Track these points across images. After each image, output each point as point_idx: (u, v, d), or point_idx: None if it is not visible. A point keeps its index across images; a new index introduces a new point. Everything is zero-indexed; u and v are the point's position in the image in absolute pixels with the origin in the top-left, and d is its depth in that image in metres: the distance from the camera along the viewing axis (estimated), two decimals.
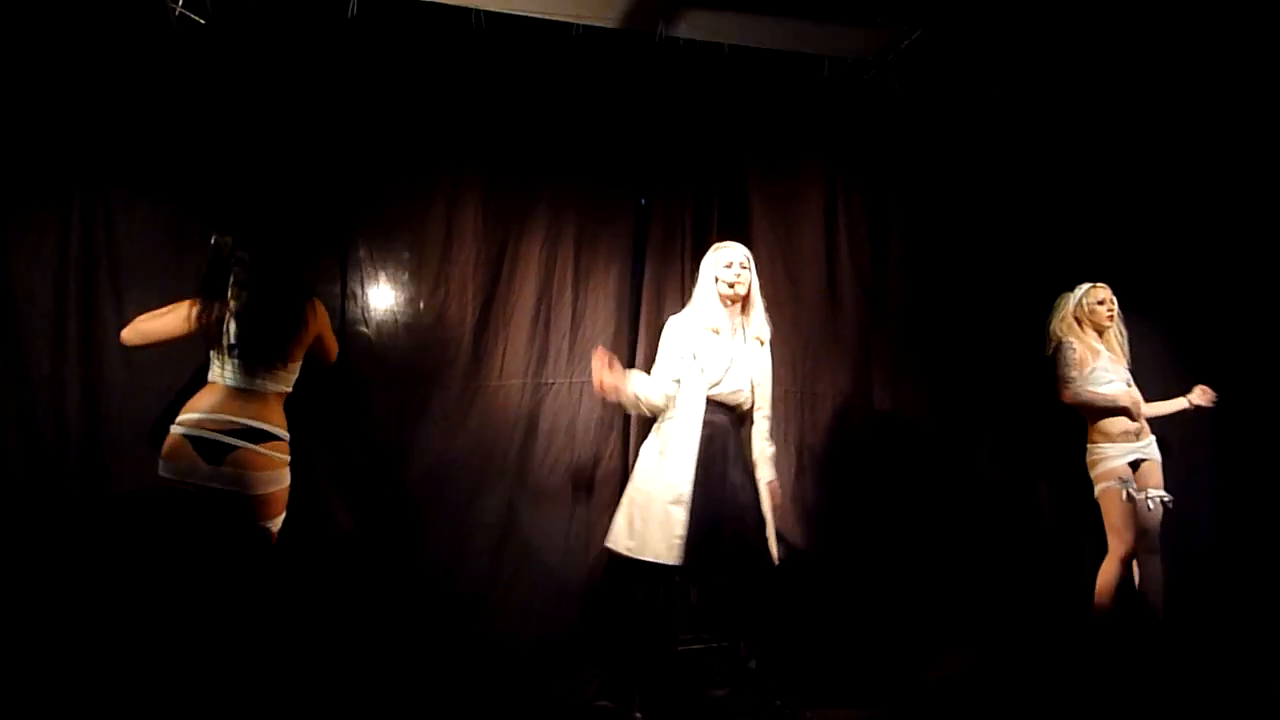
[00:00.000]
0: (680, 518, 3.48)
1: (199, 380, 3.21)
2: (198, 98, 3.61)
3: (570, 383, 4.06)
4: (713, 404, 3.60)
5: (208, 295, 3.12)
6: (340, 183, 3.78)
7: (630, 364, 4.16)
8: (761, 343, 3.73)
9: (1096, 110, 4.71)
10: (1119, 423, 3.99)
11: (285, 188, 3.67)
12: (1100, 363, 4.05)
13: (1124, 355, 4.12)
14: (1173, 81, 4.62)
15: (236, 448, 3.01)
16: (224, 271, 3.13)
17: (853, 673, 3.89)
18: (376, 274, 3.87)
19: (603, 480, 4.06)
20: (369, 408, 3.78)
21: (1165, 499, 3.92)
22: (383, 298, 3.88)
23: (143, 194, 3.55)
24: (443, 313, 3.92)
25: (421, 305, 3.90)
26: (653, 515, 3.52)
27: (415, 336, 3.89)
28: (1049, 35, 4.55)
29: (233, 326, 3.10)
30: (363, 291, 3.85)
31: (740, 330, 3.71)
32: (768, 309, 4.20)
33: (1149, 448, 4.00)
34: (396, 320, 3.88)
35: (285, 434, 3.16)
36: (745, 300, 3.70)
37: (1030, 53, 4.62)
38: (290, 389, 3.23)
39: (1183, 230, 4.68)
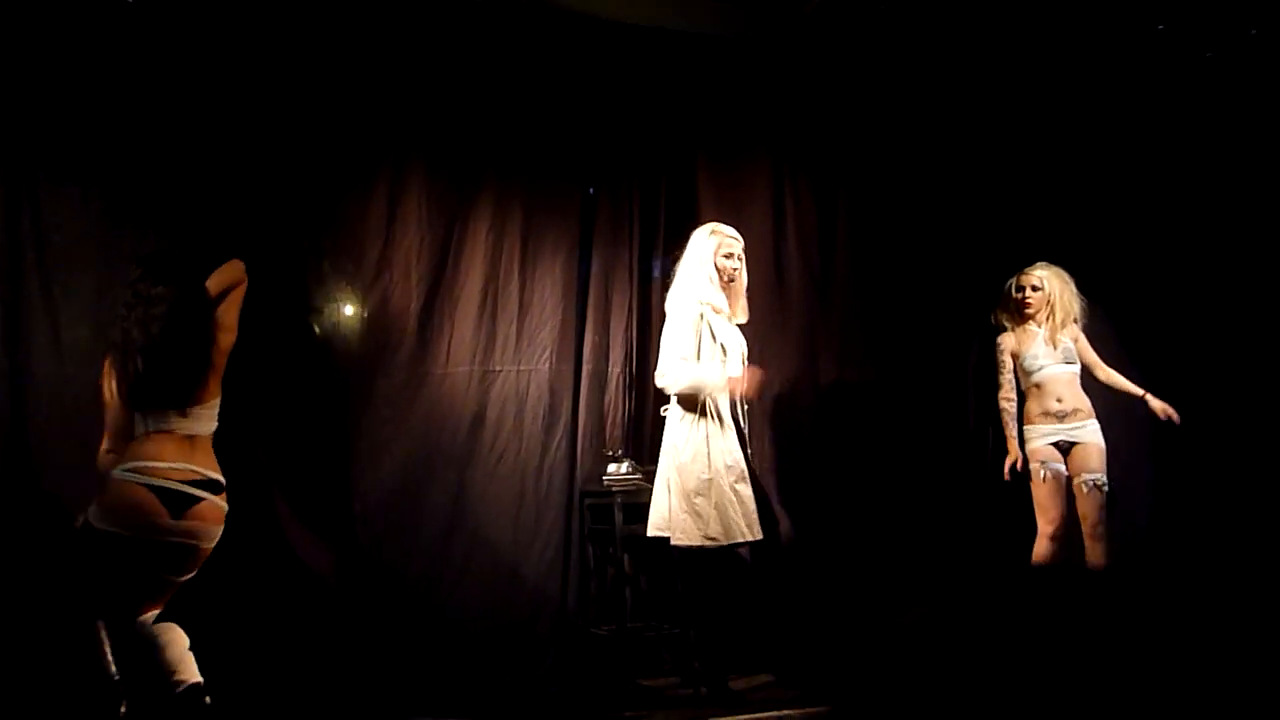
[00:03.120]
0: (747, 493, 3.60)
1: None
2: (128, 82, 3.49)
3: (518, 370, 4.02)
4: None
5: (113, 348, 2.86)
6: (279, 169, 3.68)
7: (578, 352, 4.14)
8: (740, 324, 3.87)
9: (1042, 95, 4.75)
10: (1041, 404, 4.07)
11: (217, 176, 3.57)
12: (1033, 348, 4.12)
13: (1069, 336, 4.15)
14: (1120, 66, 4.68)
15: (201, 500, 2.82)
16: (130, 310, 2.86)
17: (800, 651, 3.96)
18: (318, 261, 3.78)
19: (552, 468, 4.04)
20: (311, 396, 3.70)
21: (1098, 482, 3.97)
22: (324, 285, 3.79)
23: (70, 181, 3.41)
24: (386, 300, 3.86)
25: (364, 292, 3.83)
26: (725, 498, 3.55)
27: (358, 324, 3.82)
28: (996, 21, 4.59)
29: (139, 365, 2.82)
30: (303, 279, 3.76)
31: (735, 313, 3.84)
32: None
33: (1080, 431, 4.05)
34: (338, 308, 3.80)
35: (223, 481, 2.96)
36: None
37: (978, 38, 4.66)
38: (215, 425, 2.96)
39: (1126, 215, 4.75)
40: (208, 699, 2.81)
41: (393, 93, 3.90)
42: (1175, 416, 4.03)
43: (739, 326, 3.88)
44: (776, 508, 4.22)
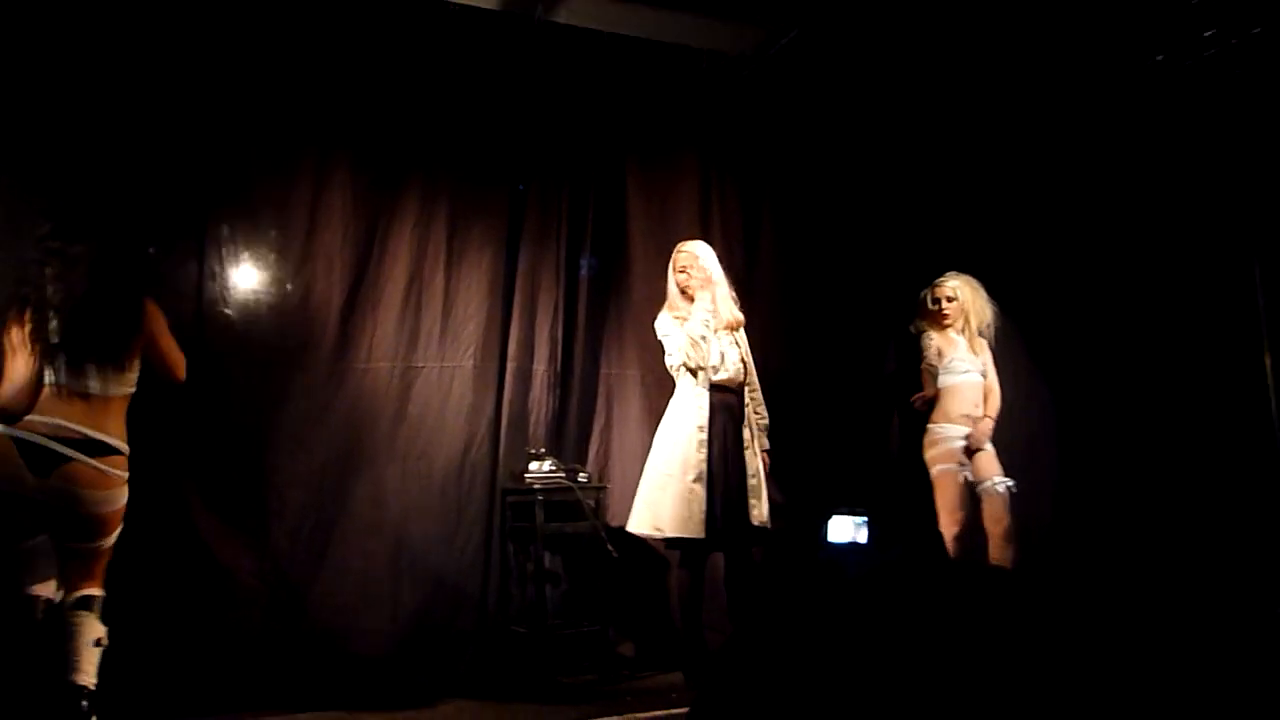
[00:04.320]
0: (701, 494, 3.64)
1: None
2: (38, 62, 3.38)
3: (441, 367, 4.00)
4: (715, 387, 3.80)
5: (23, 302, 2.80)
6: (199, 158, 3.61)
7: (503, 349, 4.13)
8: (735, 326, 3.92)
9: (960, 111, 4.91)
10: (961, 405, 4.18)
11: (135, 165, 3.48)
12: (957, 353, 4.23)
13: (984, 346, 4.28)
14: (1033, 83, 4.86)
15: (70, 460, 2.68)
16: (41, 268, 2.81)
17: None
18: (238, 251, 3.71)
19: (474, 465, 4.02)
20: (228, 390, 3.63)
21: (1010, 485, 4.10)
22: (245, 276, 3.73)
23: None
24: (308, 293, 3.80)
25: (286, 285, 3.77)
26: (675, 495, 3.65)
27: (279, 317, 3.76)
28: (916, 38, 4.73)
29: (55, 323, 2.76)
30: (223, 270, 3.69)
31: (718, 316, 3.88)
32: (645, 298, 4.28)
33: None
34: (259, 300, 3.73)
35: (125, 447, 2.82)
36: (713, 290, 3.88)
37: (898, 54, 4.80)
38: (132, 390, 2.90)
39: (1037, 226, 4.93)
40: (85, 704, 2.71)
41: (319, 79, 3.85)
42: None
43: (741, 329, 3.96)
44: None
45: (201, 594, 3.48)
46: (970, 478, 4.08)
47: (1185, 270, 4.66)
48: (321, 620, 3.66)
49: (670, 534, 3.66)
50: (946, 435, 4.15)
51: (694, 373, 3.79)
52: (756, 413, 3.95)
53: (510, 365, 4.12)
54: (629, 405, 4.35)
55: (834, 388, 4.59)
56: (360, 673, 3.66)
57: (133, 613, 3.06)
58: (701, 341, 3.76)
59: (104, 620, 2.81)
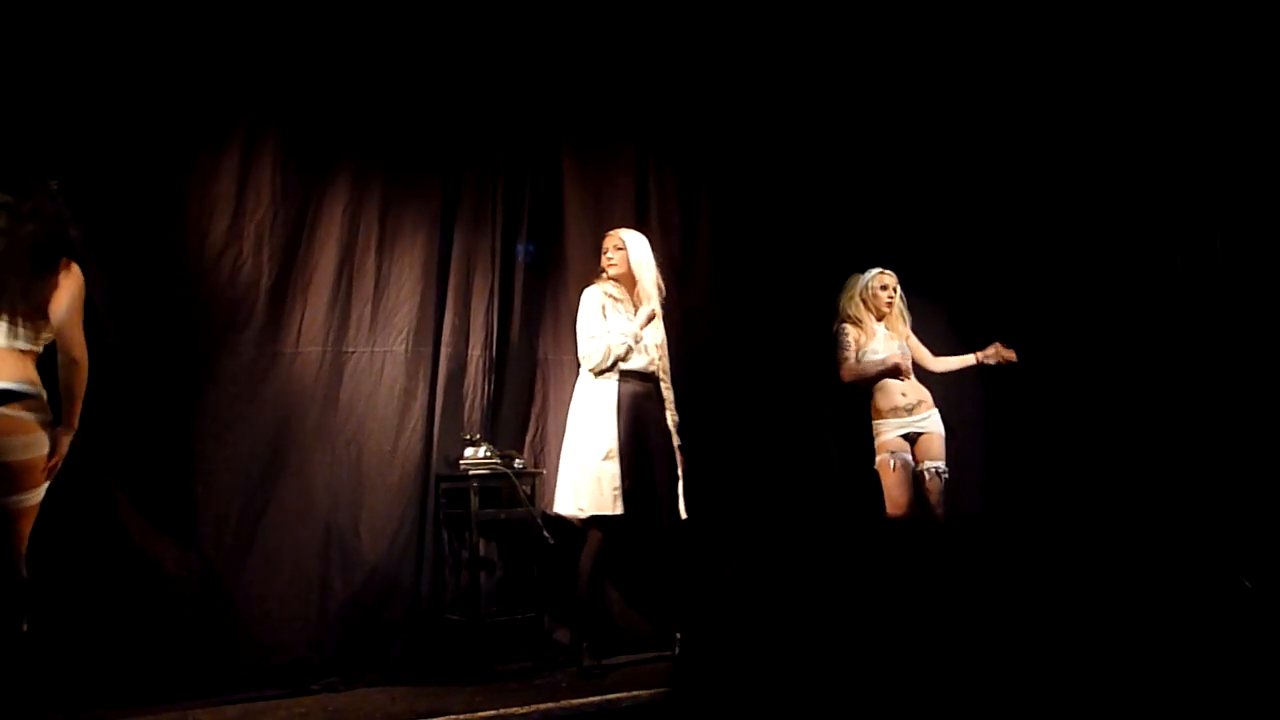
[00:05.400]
0: (612, 471, 3.75)
1: None
2: None
3: (372, 352, 3.93)
4: (626, 375, 3.85)
5: None
6: (121, 131, 3.49)
7: (437, 334, 4.08)
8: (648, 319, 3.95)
9: (893, 107, 4.99)
10: (889, 400, 4.26)
11: (53, 123, 3.35)
12: (874, 342, 4.32)
13: (901, 334, 4.38)
14: (957, 82, 4.96)
15: None
16: None
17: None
18: (161, 228, 3.60)
19: (406, 452, 3.96)
20: (152, 374, 3.52)
21: (939, 470, 4.18)
22: (168, 254, 3.61)
23: None
24: (235, 275, 3.71)
25: (212, 264, 3.66)
26: (590, 475, 3.75)
27: (205, 299, 3.65)
28: (848, 33, 4.80)
29: None
30: (146, 250, 3.57)
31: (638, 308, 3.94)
32: (581, 283, 4.27)
33: (925, 421, 4.26)
34: (183, 279, 3.62)
35: (39, 390, 2.78)
36: (633, 277, 3.95)
37: (833, 50, 4.86)
38: (39, 349, 2.83)
39: (967, 220, 5.03)
40: None
41: (249, 56, 3.74)
42: (1011, 355, 4.30)
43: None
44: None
45: (125, 584, 3.37)
46: (899, 463, 4.15)
47: (1111, 265, 4.80)
48: (249, 609, 3.58)
49: (590, 512, 3.74)
50: (883, 429, 4.25)
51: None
52: (669, 410, 4.01)
53: (444, 351, 4.07)
54: (564, 391, 4.32)
55: (767, 378, 4.63)
56: (289, 662, 3.60)
57: (54, 603, 2.97)
58: (618, 356, 3.81)
59: (24, 610, 2.74)
